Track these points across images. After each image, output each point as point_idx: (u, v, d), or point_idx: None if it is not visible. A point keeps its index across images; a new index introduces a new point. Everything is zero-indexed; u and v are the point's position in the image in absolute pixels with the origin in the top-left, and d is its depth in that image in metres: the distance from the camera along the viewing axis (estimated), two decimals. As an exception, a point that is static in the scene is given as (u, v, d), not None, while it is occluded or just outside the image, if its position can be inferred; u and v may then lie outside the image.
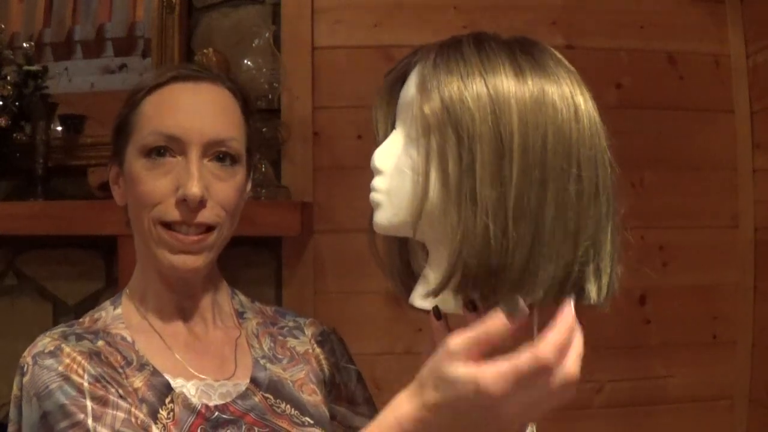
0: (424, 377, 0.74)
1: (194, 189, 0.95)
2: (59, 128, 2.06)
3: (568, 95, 0.78)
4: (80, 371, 0.91)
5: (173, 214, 0.96)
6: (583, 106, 0.78)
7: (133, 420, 0.89)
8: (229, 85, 1.05)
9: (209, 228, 0.99)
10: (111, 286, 2.06)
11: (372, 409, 1.09)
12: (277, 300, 2.02)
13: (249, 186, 1.09)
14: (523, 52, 0.80)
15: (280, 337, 1.10)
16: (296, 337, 1.11)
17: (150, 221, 0.98)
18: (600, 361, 2.08)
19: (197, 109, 1.00)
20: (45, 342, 0.95)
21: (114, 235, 1.86)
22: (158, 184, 0.97)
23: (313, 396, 1.05)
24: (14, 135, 2.03)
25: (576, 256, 0.78)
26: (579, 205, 0.77)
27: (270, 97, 2.04)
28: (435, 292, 0.80)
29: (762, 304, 2.09)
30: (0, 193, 2.09)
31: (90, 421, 0.87)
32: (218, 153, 0.99)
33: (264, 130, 1.97)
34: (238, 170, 1.02)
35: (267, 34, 2.05)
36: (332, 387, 1.09)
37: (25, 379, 0.92)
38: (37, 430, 0.89)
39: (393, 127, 0.86)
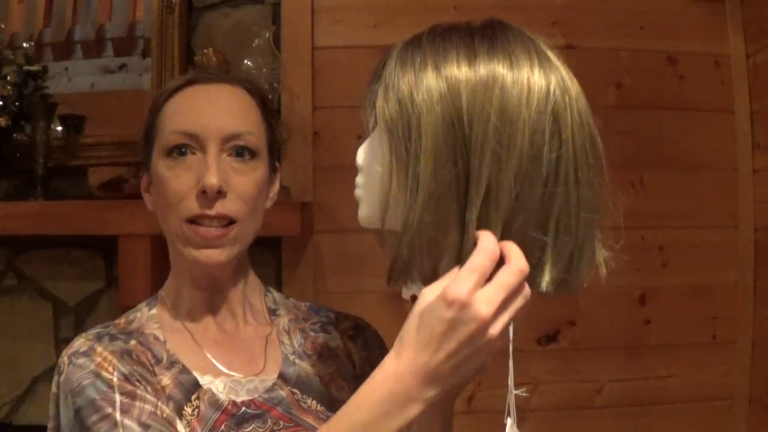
0: (403, 329, 0.75)
1: (212, 180, 0.97)
2: (59, 128, 2.06)
3: (522, 76, 0.76)
4: (110, 368, 0.94)
5: (195, 208, 0.99)
6: (537, 86, 0.76)
7: (158, 413, 0.92)
8: (246, 85, 1.08)
9: (230, 222, 1.00)
10: (111, 286, 2.06)
11: None
12: (277, 300, 2.03)
13: (276, 188, 1.11)
14: (483, 37, 0.80)
15: (311, 333, 1.11)
16: (327, 332, 1.12)
17: (177, 220, 1.00)
18: (600, 361, 2.09)
19: (214, 107, 1.03)
20: (80, 343, 0.98)
21: (114, 235, 1.86)
22: (180, 181, 0.99)
23: (341, 392, 1.06)
24: (14, 135, 2.03)
25: (550, 249, 0.76)
26: (530, 187, 0.75)
27: (270, 97, 2.04)
28: (387, 281, 0.81)
29: (762, 304, 2.09)
30: (0, 193, 2.09)
31: (118, 415, 0.90)
32: (236, 147, 1.02)
33: (264, 130, 1.98)
34: (258, 165, 1.04)
35: (267, 34, 2.05)
36: (362, 381, 1.09)
37: (62, 378, 0.95)
38: (73, 426, 0.92)
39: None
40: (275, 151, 1.09)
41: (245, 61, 2.01)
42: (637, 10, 2.13)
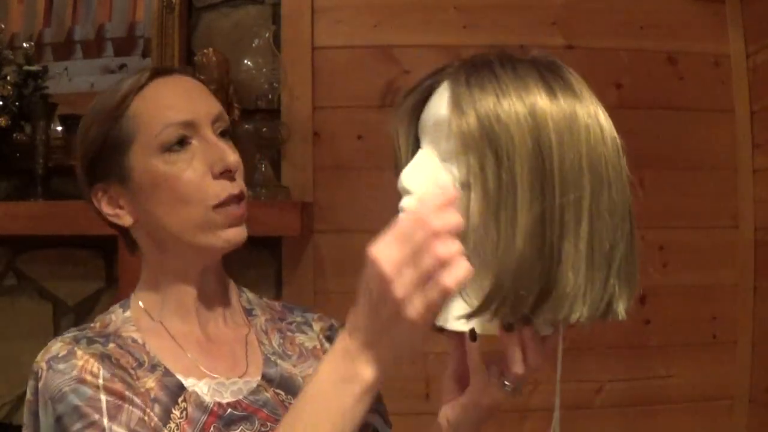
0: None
1: (232, 157, 0.99)
2: (59, 128, 2.06)
3: (593, 115, 0.79)
4: (95, 370, 0.91)
5: (222, 190, 0.98)
6: (606, 125, 0.80)
7: (147, 420, 0.90)
8: (193, 73, 1.10)
9: (242, 197, 1.01)
10: (111, 286, 2.06)
11: (378, 404, 1.09)
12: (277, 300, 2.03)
13: None
14: (549, 71, 0.80)
15: (288, 333, 1.11)
16: (304, 333, 1.12)
17: (201, 209, 0.97)
18: (600, 361, 2.08)
19: (191, 94, 1.03)
20: (58, 347, 0.95)
21: (114, 235, 1.86)
22: (190, 172, 0.98)
23: None
24: (14, 135, 2.03)
25: (611, 275, 0.78)
26: (612, 223, 0.78)
27: (270, 97, 2.04)
28: (474, 315, 0.79)
29: (762, 304, 2.09)
30: (0, 193, 2.09)
31: (105, 421, 0.88)
32: (220, 128, 1.02)
33: (264, 130, 1.98)
34: (233, 144, 1.05)
35: (267, 34, 2.05)
36: None
37: (40, 384, 0.92)
38: None
39: (415, 147, 0.85)
40: None
41: (245, 61, 2.01)
42: (637, 10, 2.13)
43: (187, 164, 0.98)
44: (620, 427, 2.09)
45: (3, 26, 2.11)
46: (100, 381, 0.90)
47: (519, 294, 0.76)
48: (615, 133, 0.80)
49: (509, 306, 0.77)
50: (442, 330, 0.87)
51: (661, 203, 2.09)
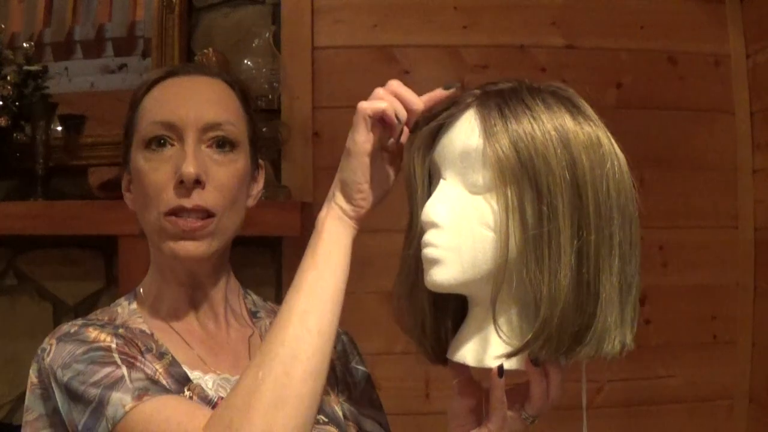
0: None
1: (189, 168, 0.95)
2: (59, 128, 2.06)
3: (611, 145, 0.79)
4: (107, 339, 0.92)
5: (173, 199, 0.96)
6: (621, 155, 0.80)
7: (158, 377, 0.91)
8: (225, 78, 1.06)
9: (209, 215, 0.98)
10: (111, 286, 2.06)
11: (378, 413, 1.09)
12: (277, 301, 2.02)
13: (260, 186, 1.08)
14: (569, 102, 0.79)
15: None
16: None
17: (156, 213, 0.97)
18: (600, 361, 2.09)
19: (192, 97, 1.01)
20: (68, 326, 0.96)
21: (114, 235, 1.86)
22: (158, 173, 0.97)
23: (325, 396, 1.05)
24: (14, 135, 2.03)
25: (632, 308, 0.79)
26: (632, 255, 0.78)
27: (270, 97, 2.04)
28: (519, 352, 0.79)
29: (762, 304, 2.09)
30: (0, 193, 2.09)
31: (125, 369, 0.88)
32: (216, 138, 0.99)
33: (264, 130, 1.97)
34: (238, 157, 1.02)
35: (267, 34, 2.05)
36: (344, 387, 1.09)
37: (47, 359, 0.92)
38: (65, 400, 0.88)
39: (430, 177, 0.84)
40: (257, 146, 1.07)
41: (245, 61, 2.01)
42: (637, 10, 2.13)
43: (160, 165, 0.97)
44: (620, 427, 2.09)
45: (3, 26, 2.10)
46: (113, 345, 0.91)
47: (564, 331, 0.76)
48: (626, 162, 0.80)
49: (554, 343, 0.77)
50: (446, 363, 0.87)
51: (661, 203, 2.09)
